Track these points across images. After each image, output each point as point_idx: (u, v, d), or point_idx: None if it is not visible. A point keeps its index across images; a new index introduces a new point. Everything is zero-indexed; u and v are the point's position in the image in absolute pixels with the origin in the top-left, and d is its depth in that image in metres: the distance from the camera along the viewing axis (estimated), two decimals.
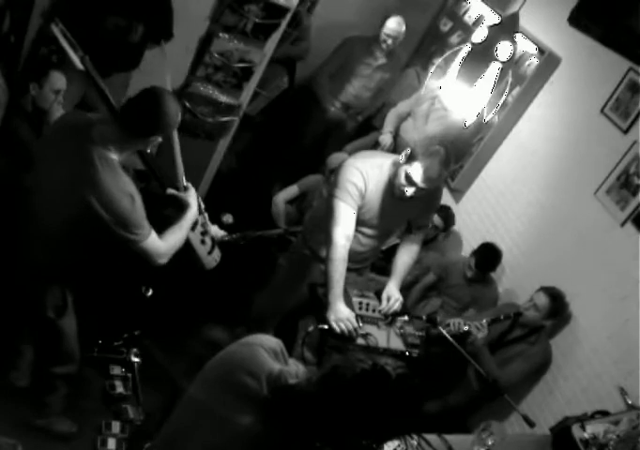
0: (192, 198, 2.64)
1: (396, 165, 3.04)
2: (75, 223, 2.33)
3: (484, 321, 3.46)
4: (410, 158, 2.95)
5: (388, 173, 3.06)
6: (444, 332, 3.09)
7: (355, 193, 3.01)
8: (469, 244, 4.49)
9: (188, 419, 1.82)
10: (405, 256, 3.30)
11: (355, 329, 2.87)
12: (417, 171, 2.91)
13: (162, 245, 2.43)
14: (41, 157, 2.44)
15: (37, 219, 2.43)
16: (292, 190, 4.71)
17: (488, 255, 3.94)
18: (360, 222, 3.12)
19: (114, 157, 2.28)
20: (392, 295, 3.10)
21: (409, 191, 2.97)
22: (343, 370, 1.61)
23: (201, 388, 1.81)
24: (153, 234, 2.39)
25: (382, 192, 3.07)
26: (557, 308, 3.50)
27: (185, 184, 2.67)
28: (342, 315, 2.88)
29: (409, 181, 2.95)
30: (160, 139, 2.37)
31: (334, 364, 1.66)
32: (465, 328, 3.43)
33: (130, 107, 2.32)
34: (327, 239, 3.04)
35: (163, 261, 2.47)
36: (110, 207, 2.24)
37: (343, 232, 3.00)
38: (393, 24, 4.87)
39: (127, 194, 2.27)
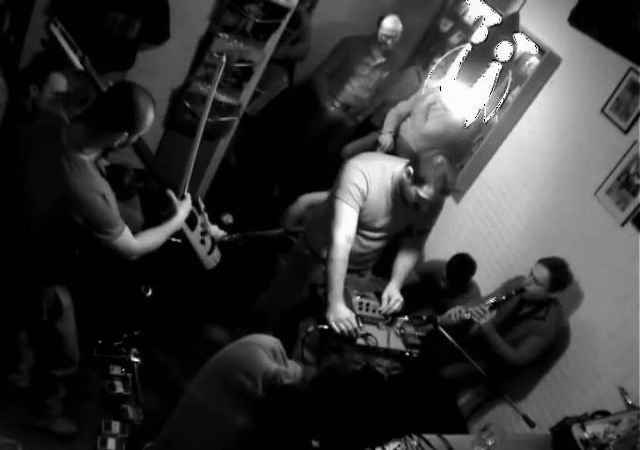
0: (184, 208, 2.61)
1: (400, 176, 3.01)
2: (55, 224, 2.32)
3: (486, 305, 3.41)
4: (418, 181, 2.92)
5: (390, 177, 3.06)
6: (444, 332, 3.09)
7: (357, 194, 3.00)
8: (469, 244, 4.49)
9: (185, 417, 1.84)
10: (406, 258, 3.31)
11: (355, 330, 2.87)
12: (429, 191, 2.91)
13: (136, 243, 2.42)
14: (20, 160, 2.42)
15: (20, 220, 2.42)
16: (320, 196, 4.41)
17: (459, 266, 3.90)
18: (362, 225, 3.12)
19: (85, 157, 2.24)
20: (393, 296, 3.11)
21: (424, 208, 3.02)
22: (337, 371, 1.62)
23: (198, 387, 1.83)
24: (126, 232, 2.36)
25: (384, 195, 3.07)
26: (559, 279, 3.37)
27: (185, 193, 2.64)
28: (341, 315, 2.88)
29: (423, 201, 2.96)
30: (126, 134, 2.25)
31: (329, 365, 1.67)
32: (467, 316, 3.41)
33: (99, 101, 2.29)
34: (327, 240, 3.04)
35: (133, 258, 2.45)
36: (82, 209, 2.21)
37: (344, 232, 3.00)
38: (390, 24, 4.87)
39: (99, 194, 2.23)
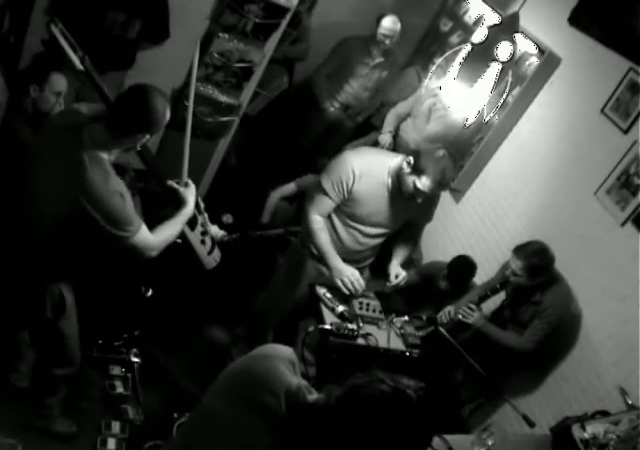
0: (191, 194, 2.62)
1: (398, 170, 3.04)
2: (67, 222, 2.34)
3: (473, 303, 3.41)
4: (417, 171, 2.94)
5: (386, 170, 3.08)
6: (444, 332, 3.09)
7: (338, 185, 3.06)
8: (469, 244, 4.49)
9: (200, 436, 1.74)
10: (403, 245, 3.38)
11: (361, 286, 3.07)
12: (427, 183, 2.93)
13: (153, 239, 2.44)
14: (34, 158, 2.44)
15: (31, 218, 2.44)
16: (289, 188, 4.75)
17: (461, 267, 3.87)
18: (357, 218, 3.15)
19: (105, 156, 2.28)
20: (400, 273, 3.23)
21: (419, 199, 3.04)
22: (364, 390, 1.55)
23: (215, 404, 1.72)
24: (143, 229, 2.39)
25: (379, 189, 3.09)
26: (535, 266, 3.28)
27: (186, 180, 2.66)
28: (346, 272, 3.04)
29: (420, 192, 2.98)
30: (147, 136, 2.34)
31: (354, 383, 1.58)
32: (458, 316, 3.41)
33: (117, 104, 2.32)
34: (302, 216, 3.21)
35: (153, 254, 2.48)
36: (100, 206, 2.25)
37: (317, 210, 3.14)
38: (389, 24, 4.88)
39: (117, 193, 2.27)
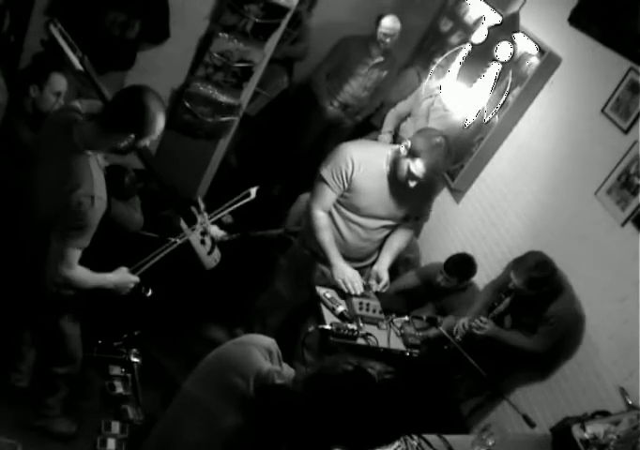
0: (117, 276, 2.57)
1: (396, 154, 3.07)
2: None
3: (485, 316, 3.40)
4: (412, 154, 2.97)
5: (384, 160, 3.11)
6: (444, 332, 3.09)
7: (338, 175, 3.07)
8: (469, 244, 4.49)
9: (178, 416, 1.84)
10: (400, 238, 3.37)
11: (362, 286, 3.11)
12: (420, 167, 2.95)
13: (76, 268, 2.35)
14: (33, 156, 2.44)
15: (30, 218, 2.43)
16: None
17: (459, 261, 3.85)
18: (359, 211, 3.17)
19: (94, 157, 2.28)
20: (383, 278, 3.24)
21: (412, 184, 3.04)
22: (328, 371, 1.62)
23: (192, 386, 1.83)
24: (78, 253, 2.32)
25: (378, 180, 3.11)
26: (538, 279, 3.26)
27: (136, 274, 2.61)
28: (349, 273, 3.08)
29: (412, 176, 2.98)
30: (132, 137, 2.26)
31: (321, 365, 1.66)
32: (474, 330, 3.39)
33: (111, 101, 2.32)
34: (307, 212, 3.22)
35: (59, 279, 2.37)
36: (73, 202, 2.20)
37: (321, 205, 3.16)
38: (389, 23, 4.88)
39: (88, 196, 2.21)
